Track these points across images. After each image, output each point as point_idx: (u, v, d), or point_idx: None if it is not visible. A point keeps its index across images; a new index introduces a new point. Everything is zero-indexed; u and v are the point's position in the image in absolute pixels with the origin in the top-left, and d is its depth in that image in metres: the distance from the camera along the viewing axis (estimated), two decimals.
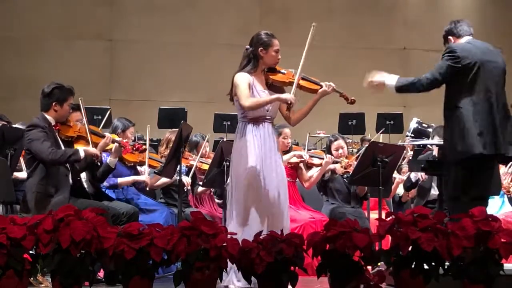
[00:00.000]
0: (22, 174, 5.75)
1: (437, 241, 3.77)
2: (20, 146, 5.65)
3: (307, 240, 3.92)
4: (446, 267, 3.90)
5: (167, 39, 13.02)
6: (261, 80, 4.82)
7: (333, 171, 6.62)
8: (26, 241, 3.74)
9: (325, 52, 11.67)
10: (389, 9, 13.77)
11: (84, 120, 5.36)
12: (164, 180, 6.17)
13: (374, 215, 6.22)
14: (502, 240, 3.86)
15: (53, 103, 5.13)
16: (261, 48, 4.76)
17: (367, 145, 6.82)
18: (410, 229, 3.80)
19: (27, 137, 5.04)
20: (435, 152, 6.33)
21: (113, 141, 5.48)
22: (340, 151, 6.70)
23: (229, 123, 10.88)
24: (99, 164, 5.46)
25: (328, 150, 6.82)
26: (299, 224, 6.05)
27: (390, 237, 3.93)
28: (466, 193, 4.77)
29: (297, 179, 6.65)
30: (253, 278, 3.98)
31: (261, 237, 3.97)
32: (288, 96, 4.72)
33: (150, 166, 6.00)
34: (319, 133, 11.23)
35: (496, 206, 6.66)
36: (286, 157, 6.25)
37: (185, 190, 6.17)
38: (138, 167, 6.21)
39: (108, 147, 5.48)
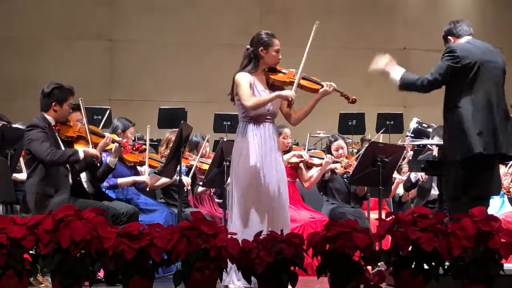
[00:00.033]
0: (22, 176, 5.74)
1: (437, 241, 3.77)
2: (20, 146, 5.65)
3: (307, 240, 3.92)
4: (446, 267, 3.90)
5: (167, 39, 13.02)
6: (262, 80, 4.83)
7: (333, 171, 6.63)
8: (26, 241, 3.74)
9: (325, 52, 11.66)
10: (389, 9, 13.77)
11: (84, 120, 5.36)
12: (164, 180, 6.17)
13: (374, 215, 6.22)
14: (502, 240, 3.86)
15: (53, 103, 5.12)
16: (262, 48, 4.77)
17: (367, 145, 6.82)
18: (410, 229, 3.80)
19: (26, 137, 5.04)
20: (435, 152, 6.32)
21: (113, 141, 5.48)
22: (340, 151, 6.70)
23: (229, 123, 10.88)
24: (98, 165, 5.45)
25: (328, 150, 6.83)
26: (299, 224, 6.05)
27: (390, 237, 3.93)
28: (466, 193, 4.77)
29: (297, 179, 6.65)
30: (253, 278, 3.98)
31: (261, 237, 3.97)
32: (288, 92, 4.72)
33: (150, 166, 6.00)
34: (319, 133, 11.23)
35: (496, 206, 6.66)
36: (286, 156, 6.25)
37: (185, 190, 6.17)
38: (138, 167, 6.21)
39: (108, 147, 5.48)
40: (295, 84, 4.79)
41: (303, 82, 4.85)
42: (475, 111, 4.75)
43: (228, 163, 5.76)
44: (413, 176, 6.88)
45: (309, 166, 6.66)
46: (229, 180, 5.72)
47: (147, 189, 6.19)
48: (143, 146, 5.88)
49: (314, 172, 6.60)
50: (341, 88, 4.92)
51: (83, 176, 5.47)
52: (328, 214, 6.38)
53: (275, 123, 4.95)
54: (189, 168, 6.37)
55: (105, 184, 5.78)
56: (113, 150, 5.52)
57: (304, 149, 6.85)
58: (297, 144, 8.37)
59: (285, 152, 6.35)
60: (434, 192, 6.67)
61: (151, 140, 7.14)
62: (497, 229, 3.87)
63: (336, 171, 6.60)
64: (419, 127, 7.16)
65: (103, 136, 5.40)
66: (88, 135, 5.27)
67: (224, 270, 3.92)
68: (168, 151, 5.96)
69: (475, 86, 4.78)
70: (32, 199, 4.96)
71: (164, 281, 4.71)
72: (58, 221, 3.76)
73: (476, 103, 4.76)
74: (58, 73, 10.60)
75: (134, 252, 3.73)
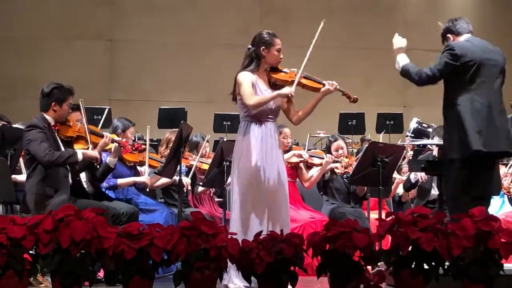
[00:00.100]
0: (22, 177, 5.73)
1: (437, 241, 3.77)
2: (20, 146, 5.65)
3: (307, 240, 3.92)
4: (446, 267, 3.90)
5: (167, 39, 13.02)
6: (264, 79, 4.85)
7: (333, 171, 6.62)
8: (26, 241, 3.74)
9: (325, 52, 11.66)
10: (389, 9, 13.77)
11: (84, 120, 5.35)
12: (164, 180, 6.17)
13: (374, 215, 6.22)
14: (502, 240, 3.86)
15: (52, 103, 5.12)
16: (263, 47, 4.78)
17: (367, 145, 6.82)
18: (410, 229, 3.80)
19: (26, 137, 5.03)
20: (435, 152, 6.32)
21: (113, 141, 5.48)
22: (340, 151, 6.70)
23: (229, 123, 10.88)
24: (98, 167, 5.45)
25: (328, 151, 6.83)
26: (299, 224, 6.06)
27: (390, 237, 3.93)
28: (466, 193, 4.77)
29: (297, 179, 6.65)
30: (253, 278, 3.98)
31: (261, 237, 3.97)
32: (287, 90, 4.73)
33: (150, 166, 5.99)
34: (319, 133, 11.23)
35: (496, 206, 6.66)
36: (285, 156, 6.25)
37: (185, 190, 6.17)
38: (138, 167, 6.21)
39: (107, 147, 5.48)
40: (295, 82, 4.79)
41: (304, 81, 4.87)
42: (474, 109, 4.75)
43: (228, 163, 5.76)
44: (413, 176, 6.87)
45: (309, 166, 6.66)
46: (229, 180, 5.73)
47: (147, 189, 6.19)
48: (143, 146, 5.88)
49: (314, 172, 6.60)
50: (341, 87, 4.93)
51: (83, 176, 5.47)
52: (328, 214, 6.38)
53: (276, 122, 4.96)
54: (189, 168, 6.37)
55: (104, 184, 5.78)
56: (112, 150, 5.52)
57: (304, 149, 6.85)
58: (297, 144, 8.37)
59: (285, 152, 6.35)
60: (434, 192, 6.66)
61: (151, 140, 7.14)
62: (497, 229, 3.87)
63: (336, 171, 6.59)
64: (419, 127, 7.16)
65: (102, 136, 5.40)
66: (88, 135, 5.26)
67: (224, 269, 3.92)
68: (168, 151, 5.95)
69: (474, 84, 4.79)
70: (32, 200, 4.96)
71: (164, 281, 4.71)
72: (58, 221, 3.76)
73: (475, 101, 4.76)
74: (58, 73, 10.60)
75: (134, 252, 3.73)
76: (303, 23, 12.49)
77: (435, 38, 5.42)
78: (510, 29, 13.41)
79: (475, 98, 4.77)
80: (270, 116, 4.81)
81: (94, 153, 5.16)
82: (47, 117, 5.13)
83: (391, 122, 11.28)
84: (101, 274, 4.53)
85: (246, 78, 4.73)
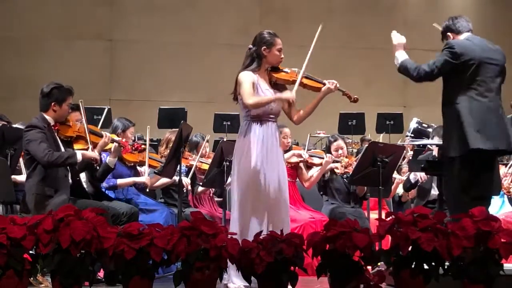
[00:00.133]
0: (21, 177, 5.73)
1: (437, 241, 3.77)
2: (20, 146, 5.65)
3: (307, 240, 3.92)
4: (446, 267, 3.90)
5: (167, 39, 13.02)
6: (265, 78, 4.86)
7: (333, 171, 6.62)
8: (26, 241, 3.74)
9: (325, 52, 11.66)
10: (389, 9, 13.77)
11: (84, 120, 5.35)
12: (164, 180, 6.17)
13: (374, 215, 6.22)
14: (502, 240, 3.86)
15: (52, 103, 5.11)
16: (265, 47, 4.79)
17: (367, 145, 6.82)
18: (410, 229, 3.80)
19: (25, 137, 5.03)
20: (435, 152, 6.32)
21: (112, 141, 5.48)
22: (340, 151, 6.70)
23: (229, 123, 10.89)
24: (98, 168, 5.45)
25: (327, 151, 6.83)
26: (299, 224, 6.05)
27: (390, 237, 3.93)
28: (466, 192, 4.76)
29: (297, 179, 6.65)
30: (253, 278, 3.98)
31: (261, 237, 3.97)
32: (289, 95, 4.74)
33: (150, 166, 5.99)
34: (319, 133, 11.24)
35: (496, 206, 6.66)
36: (285, 156, 6.24)
37: (185, 191, 6.17)
38: (138, 167, 6.21)
39: (107, 147, 5.48)
40: (296, 85, 4.81)
41: (305, 81, 4.89)
42: (473, 107, 4.74)
43: (228, 163, 5.76)
44: (412, 177, 6.87)
45: (309, 166, 6.66)
46: (229, 180, 5.73)
47: (147, 189, 6.19)
48: (143, 146, 5.88)
49: (314, 172, 6.60)
50: (342, 87, 4.94)
51: (83, 176, 5.47)
52: (328, 214, 6.38)
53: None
54: (189, 168, 6.37)
55: (104, 184, 5.78)
56: (112, 149, 5.52)
57: (304, 149, 6.85)
58: (297, 144, 8.37)
59: (285, 152, 6.35)
60: (434, 192, 6.66)
61: (151, 140, 7.14)
62: (497, 229, 3.87)
63: (336, 171, 6.59)
64: (419, 127, 7.17)
65: (102, 136, 5.40)
66: (87, 135, 5.26)
67: (224, 269, 3.93)
68: (168, 151, 5.95)
69: (474, 83, 4.78)
70: (31, 200, 4.96)
71: (164, 281, 4.71)
72: (58, 221, 3.76)
73: (474, 100, 4.76)
74: (58, 73, 10.60)
75: (134, 252, 3.73)
76: (303, 23, 12.49)
77: (435, 38, 5.43)
78: (510, 29, 13.41)
79: (474, 97, 4.77)
80: (272, 116, 4.81)
81: (94, 154, 5.16)
82: (47, 117, 5.13)
83: (391, 122, 11.28)
84: (101, 274, 4.53)
85: (247, 78, 4.74)
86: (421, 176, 6.74)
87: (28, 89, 10.90)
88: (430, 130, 6.95)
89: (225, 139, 9.26)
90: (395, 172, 6.78)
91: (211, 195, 6.75)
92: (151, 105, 12.00)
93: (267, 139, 4.75)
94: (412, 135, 7.15)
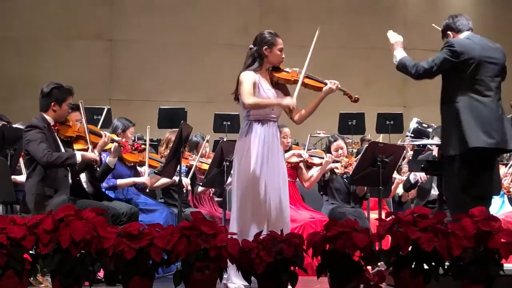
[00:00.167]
0: (21, 178, 5.73)
1: (437, 241, 3.77)
2: (20, 146, 5.65)
3: (307, 240, 3.92)
4: (446, 267, 3.90)
5: (167, 39, 13.02)
6: (266, 78, 4.87)
7: (333, 171, 6.62)
8: (26, 241, 3.74)
9: (325, 52, 11.67)
10: (389, 9, 13.77)
11: (83, 120, 5.35)
12: (164, 180, 6.17)
13: (374, 215, 6.22)
14: (502, 240, 3.86)
15: (52, 103, 5.11)
16: (266, 47, 4.80)
17: (367, 145, 6.82)
18: (410, 229, 3.79)
19: (25, 138, 5.03)
20: (435, 152, 6.32)
21: (112, 141, 5.48)
22: (340, 151, 6.70)
23: (229, 123, 10.89)
24: (98, 168, 5.45)
25: (327, 151, 6.83)
26: (299, 224, 6.05)
27: (390, 237, 3.93)
28: (466, 192, 4.76)
29: (297, 179, 6.65)
30: (253, 278, 3.98)
31: (261, 237, 3.97)
32: (289, 101, 4.76)
33: (150, 166, 5.99)
34: (319, 133, 11.24)
35: (496, 206, 6.66)
36: (285, 156, 6.24)
37: (185, 191, 6.17)
38: (138, 168, 6.21)
39: (107, 147, 5.48)
40: (297, 88, 4.82)
41: (307, 80, 4.92)
42: (472, 106, 4.74)
43: (228, 163, 5.76)
44: (412, 177, 6.87)
45: (309, 166, 6.66)
46: (229, 180, 5.73)
47: (147, 190, 6.19)
48: (143, 146, 5.88)
49: (314, 172, 6.60)
50: (343, 87, 4.95)
51: (83, 176, 5.46)
52: (328, 214, 6.38)
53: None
54: (189, 168, 6.37)
55: (104, 185, 5.78)
56: (112, 149, 5.52)
57: (304, 149, 6.85)
58: (297, 144, 8.38)
59: (285, 151, 6.34)
60: (434, 192, 6.66)
61: (151, 140, 7.14)
62: (497, 229, 3.86)
63: (336, 171, 6.59)
64: (419, 127, 7.16)
65: (102, 136, 5.40)
66: (87, 134, 5.26)
67: (224, 269, 3.93)
68: (168, 151, 5.95)
69: (473, 82, 4.78)
70: (31, 200, 4.95)
71: (164, 281, 4.70)
72: (58, 221, 3.76)
73: (474, 99, 4.75)
74: (58, 73, 10.61)
75: (134, 252, 3.73)
76: (303, 23, 12.50)
77: (435, 38, 5.43)
78: (510, 28, 13.41)
79: (473, 96, 4.76)
80: (273, 116, 4.82)
81: (94, 155, 5.15)
82: (47, 117, 5.13)
83: (391, 122, 11.28)
84: (101, 274, 4.53)
85: (248, 78, 4.74)
86: (421, 176, 6.74)
87: (28, 89, 10.91)
88: (430, 130, 6.95)
89: (225, 139, 9.26)
90: (395, 172, 6.78)
91: (211, 195, 6.75)
92: (151, 105, 12.00)
93: (268, 139, 4.76)
94: (412, 135, 7.15)
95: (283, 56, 4.86)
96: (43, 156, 4.91)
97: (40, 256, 3.83)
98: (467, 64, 4.77)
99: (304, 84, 4.89)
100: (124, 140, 5.72)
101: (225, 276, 4.42)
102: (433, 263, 3.83)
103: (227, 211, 5.91)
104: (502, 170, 6.56)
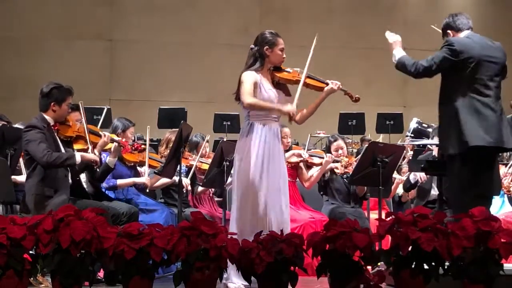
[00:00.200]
0: (21, 178, 5.73)
1: (437, 241, 3.77)
2: (20, 146, 5.64)
3: (307, 240, 3.92)
4: (446, 267, 3.90)
5: (167, 39, 13.03)
6: (268, 78, 4.88)
7: (333, 171, 6.62)
8: (26, 241, 3.74)
9: (325, 52, 11.66)
10: (389, 9, 13.78)
11: (83, 120, 5.35)
12: (164, 180, 6.17)
13: (374, 215, 6.22)
14: (502, 240, 3.86)
15: (52, 103, 5.11)
16: (267, 47, 4.81)
17: (367, 145, 6.82)
18: (410, 229, 3.79)
19: (25, 138, 5.03)
20: (435, 152, 6.32)
21: (112, 141, 5.48)
22: (340, 151, 6.70)
23: (229, 123, 10.89)
24: (97, 170, 5.44)
25: (327, 151, 6.82)
26: (299, 224, 6.05)
27: (390, 237, 3.93)
28: (467, 191, 4.76)
29: (297, 179, 6.65)
30: (253, 278, 3.98)
31: (261, 237, 3.97)
32: (289, 108, 4.77)
33: (150, 166, 5.99)
34: (319, 133, 11.24)
35: (496, 206, 6.65)
36: (285, 155, 6.25)
37: (185, 191, 6.17)
38: (138, 168, 6.20)
39: (107, 147, 5.48)
40: (298, 92, 4.82)
41: (308, 80, 4.93)
42: (472, 105, 4.74)
43: (228, 163, 5.76)
44: (412, 177, 6.87)
45: (309, 166, 6.66)
46: (229, 180, 5.73)
47: (147, 190, 6.19)
48: (143, 146, 5.88)
49: (314, 172, 6.60)
50: (344, 87, 4.96)
51: (83, 176, 5.46)
52: (328, 214, 6.38)
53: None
54: (189, 168, 6.37)
55: (104, 185, 5.78)
56: (112, 149, 5.51)
57: (304, 149, 6.85)
58: (297, 144, 8.38)
59: (285, 151, 6.34)
60: (434, 192, 6.66)
61: (151, 140, 7.14)
62: (497, 229, 3.86)
63: (336, 171, 6.59)
64: (419, 127, 7.16)
65: (102, 136, 5.40)
66: (87, 134, 5.26)
67: (224, 269, 3.93)
68: (168, 151, 5.95)
69: (473, 81, 4.77)
70: (31, 200, 4.95)
71: (164, 281, 4.71)
72: (58, 221, 3.76)
73: (473, 98, 4.75)
74: (58, 73, 10.61)
75: (134, 252, 3.73)
76: (303, 23, 12.50)
77: (435, 38, 5.43)
78: (510, 28, 13.40)
79: (473, 95, 4.76)
80: (274, 116, 4.83)
81: (93, 156, 5.15)
82: (47, 117, 5.12)
83: (391, 122, 11.28)
84: (101, 274, 4.53)
85: (249, 78, 4.75)
86: (421, 176, 6.74)
87: (28, 89, 10.90)
88: (430, 130, 6.95)
89: (225, 139, 9.26)
90: (395, 172, 6.78)
91: (211, 195, 6.75)
92: (151, 105, 12.00)
93: (269, 140, 4.76)
94: (412, 135, 7.15)
95: (284, 56, 4.87)
96: (42, 156, 4.91)
97: (40, 256, 3.83)
98: (466, 63, 4.77)
99: (306, 84, 4.90)
100: (124, 140, 5.72)
101: (225, 276, 4.42)
102: (433, 263, 3.83)
103: (227, 211, 5.91)
104: (502, 170, 6.56)
